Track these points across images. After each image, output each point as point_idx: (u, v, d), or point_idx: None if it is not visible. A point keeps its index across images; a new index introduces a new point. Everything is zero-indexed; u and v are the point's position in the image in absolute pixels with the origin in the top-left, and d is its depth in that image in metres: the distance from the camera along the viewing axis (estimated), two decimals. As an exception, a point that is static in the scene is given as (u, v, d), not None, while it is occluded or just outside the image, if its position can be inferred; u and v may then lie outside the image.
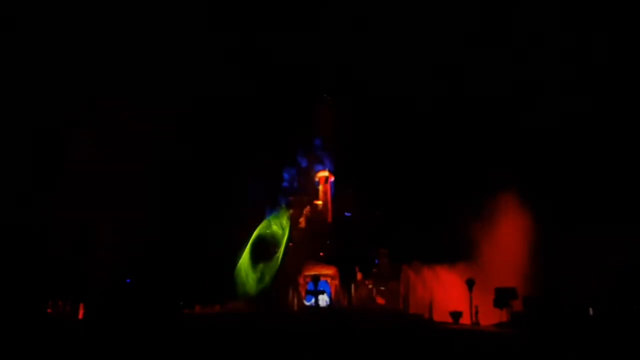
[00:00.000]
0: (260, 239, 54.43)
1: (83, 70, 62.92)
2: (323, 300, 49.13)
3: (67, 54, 62.43)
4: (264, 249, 53.99)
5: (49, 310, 45.62)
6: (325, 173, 59.54)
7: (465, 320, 42.41)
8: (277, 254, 52.64)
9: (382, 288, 51.85)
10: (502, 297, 40.58)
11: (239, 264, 53.84)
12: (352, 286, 50.64)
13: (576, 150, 57.40)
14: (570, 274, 44.01)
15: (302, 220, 56.36)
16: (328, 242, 54.63)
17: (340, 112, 63.73)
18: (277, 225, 54.85)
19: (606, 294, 42.43)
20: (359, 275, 52.10)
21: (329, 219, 58.07)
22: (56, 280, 48.58)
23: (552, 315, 37.47)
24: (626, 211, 49.46)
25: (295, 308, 48.71)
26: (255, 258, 53.69)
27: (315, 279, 47.51)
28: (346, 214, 61.50)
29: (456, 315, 42.63)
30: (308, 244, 54.35)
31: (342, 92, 66.13)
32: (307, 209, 56.90)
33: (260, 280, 52.20)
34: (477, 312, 41.85)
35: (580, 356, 26.64)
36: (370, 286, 51.99)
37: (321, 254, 52.98)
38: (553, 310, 38.33)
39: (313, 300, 47.61)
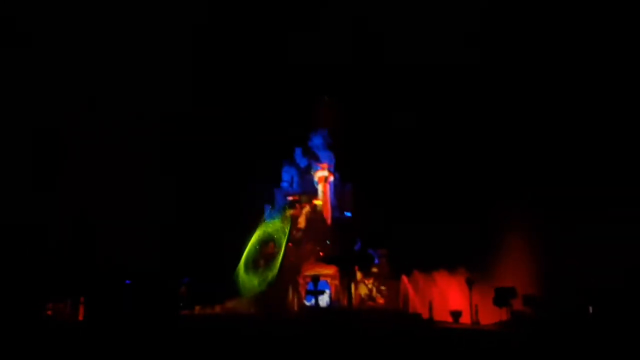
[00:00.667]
0: (261, 239, 54.34)
1: (83, 70, 62.94)
2: (323, 300, 49.06)
3: (67, 53, 62.44)
4: (264, 249, 53.92)
5: (49, 312, 45.57)
6: (325, 173, 59.36)
7: (465, 319, 42.48)
8: (278, 255, 52.51)
9: (383, 287, 51.84)
10: (502, 296, 40.59)
11: (239, 264, 53.79)
12: (352, 286, 50.54)
13: (577, 151, 57.36)
14: (570, 274, 43.98)
15: (301, 220, 56.22)
16: (328, 242, 54.51)
17: (340, 112, 63.71)
18: (277, 226, 54.78)
19: (606, 293, 42.40)
20: (359, 275, 52.02)
21: (328, 219, 57.98)
22: (56, 281, 48.51)
23: (552, 313, 37.50)
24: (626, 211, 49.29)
25: (296, 308, 48.68)
26: (256, 258, 53.61)
27: (315, 279, 47.40)
28: (346, 213, 61.44)
29: (456, 314, 42.69)
30: (308, 244, 54.25)
31: (342, 92, 66.20)
32: (306, 209, 56.76)
33: (261, 280, 52.10)
34: (477, 311, 41.88)
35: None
36: (370, 286, 51.95)
37: (321, 253, 52.87)
38: (553, 309, 38.36)
39: (313, 300, 47.55)
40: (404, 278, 50.03)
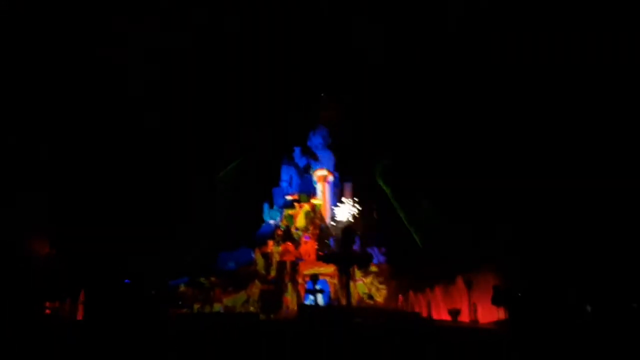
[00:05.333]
0: None
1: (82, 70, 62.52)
2: (321, 299, 49.12)
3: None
4: None
5: (47, 312, 45.49)
6: (324, 172, 59.55)
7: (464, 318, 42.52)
8: None
9: (381, 286, 52.01)
10: (500, 295, 40.48)
11: None
12: (351, 285, 50.63)
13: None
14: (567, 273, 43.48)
15: (300, 219, 56.39)
16: (326, 241, 54.71)
17: (340, 111, 63.73)
18: None
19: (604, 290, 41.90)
20: (358, 274, 52.15)
21: (327, 218, 58.12)
22: (54, 279, 48.38)
23: (548, 312, 37.42)
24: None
25: (295, 307, 48.78)
26: None
27: (314, 277, 47.40)
28: (345, 212, 61.54)
29: (455, 312, 42.73)
30: (307, 243, 54.38)
31: (342, 91, 65.85)
32: (305, 208, 56.92)
33: None
34: (475, 310, 41.86)
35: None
36: (369, 284, 52.12)
37: (320, 252, 53.01)
38: (549, 307, 38.25)
39: (311, 298, 47.58)
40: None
